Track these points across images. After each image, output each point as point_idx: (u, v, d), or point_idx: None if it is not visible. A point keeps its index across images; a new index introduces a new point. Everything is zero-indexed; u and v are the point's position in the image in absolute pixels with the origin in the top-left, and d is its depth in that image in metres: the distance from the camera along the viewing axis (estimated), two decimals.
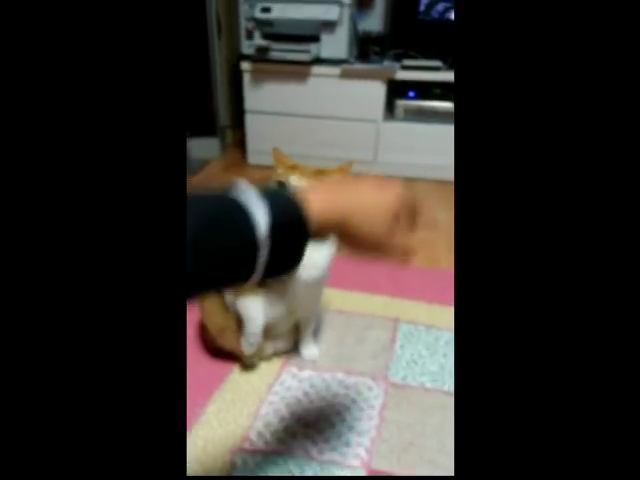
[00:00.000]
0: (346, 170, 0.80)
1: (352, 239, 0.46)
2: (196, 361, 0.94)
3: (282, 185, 0.76)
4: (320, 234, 0.43)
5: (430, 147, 2.01)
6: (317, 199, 0.42)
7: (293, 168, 0.78)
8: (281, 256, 0.40)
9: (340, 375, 0.92)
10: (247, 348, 0.87)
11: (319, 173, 0.78)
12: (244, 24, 1.94)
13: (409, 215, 0.52)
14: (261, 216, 0.37)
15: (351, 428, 0.81)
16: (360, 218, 0.45)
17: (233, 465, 0.74)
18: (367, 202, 0.46)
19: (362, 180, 0.49)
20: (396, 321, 1.07)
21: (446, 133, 1.97)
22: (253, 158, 2.17)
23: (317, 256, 0.80)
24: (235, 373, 0.91)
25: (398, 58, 2.01)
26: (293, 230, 0.39)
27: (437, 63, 1.92)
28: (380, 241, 0.47)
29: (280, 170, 0.79)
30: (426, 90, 1.98)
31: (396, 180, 0.50)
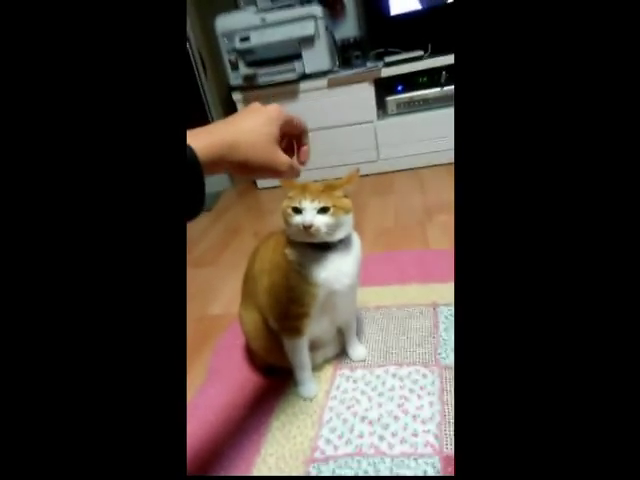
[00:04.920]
0: (355, 177, 0.81)
1: (242, 166, 0.50)
2: (250, 383, 0.95)
3: (297, 211, 0.76)
4: (212, 169, 0.47)
5: (428, 134, 2.02)
6: (197, 139, 0.45)
7: (303, 190, 0.77)
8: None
9: (392, 368, 0.92)
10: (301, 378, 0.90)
11: (329, 188, 0.78)
12: (227, 57, 2.00)
13: (292, 128, 0.57)
14: None
15: (415, 417, 0.81)
16: (243, 145, 0.49)
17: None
18: (248, 129, 0.50)
19: (241, 112, 0.53)
20: (434, 306, 1.07)
21: (439, 118, 1.98)
22: (262, 182, 2.22)
23: (346, 265, 0.81)
24: (291, 387, 0.92)
25: (380, 57, 2.04)
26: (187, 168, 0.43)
27: (418, 53, 1.95)
28: (267, 162, 0.51)
29: (291, 194, 0.78)
30: (412, 81, 2.01)
31: (275, 104, 0.54)
